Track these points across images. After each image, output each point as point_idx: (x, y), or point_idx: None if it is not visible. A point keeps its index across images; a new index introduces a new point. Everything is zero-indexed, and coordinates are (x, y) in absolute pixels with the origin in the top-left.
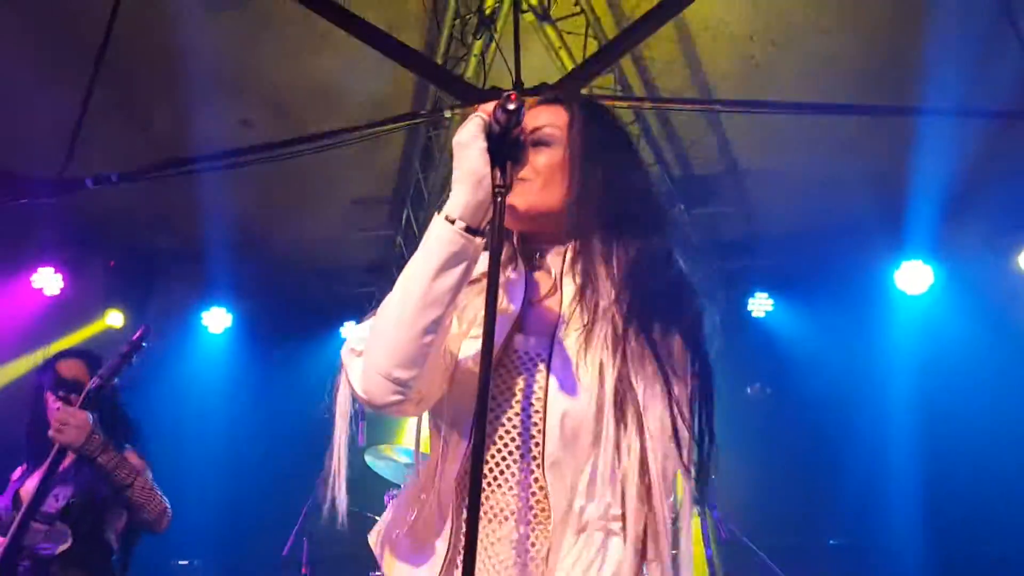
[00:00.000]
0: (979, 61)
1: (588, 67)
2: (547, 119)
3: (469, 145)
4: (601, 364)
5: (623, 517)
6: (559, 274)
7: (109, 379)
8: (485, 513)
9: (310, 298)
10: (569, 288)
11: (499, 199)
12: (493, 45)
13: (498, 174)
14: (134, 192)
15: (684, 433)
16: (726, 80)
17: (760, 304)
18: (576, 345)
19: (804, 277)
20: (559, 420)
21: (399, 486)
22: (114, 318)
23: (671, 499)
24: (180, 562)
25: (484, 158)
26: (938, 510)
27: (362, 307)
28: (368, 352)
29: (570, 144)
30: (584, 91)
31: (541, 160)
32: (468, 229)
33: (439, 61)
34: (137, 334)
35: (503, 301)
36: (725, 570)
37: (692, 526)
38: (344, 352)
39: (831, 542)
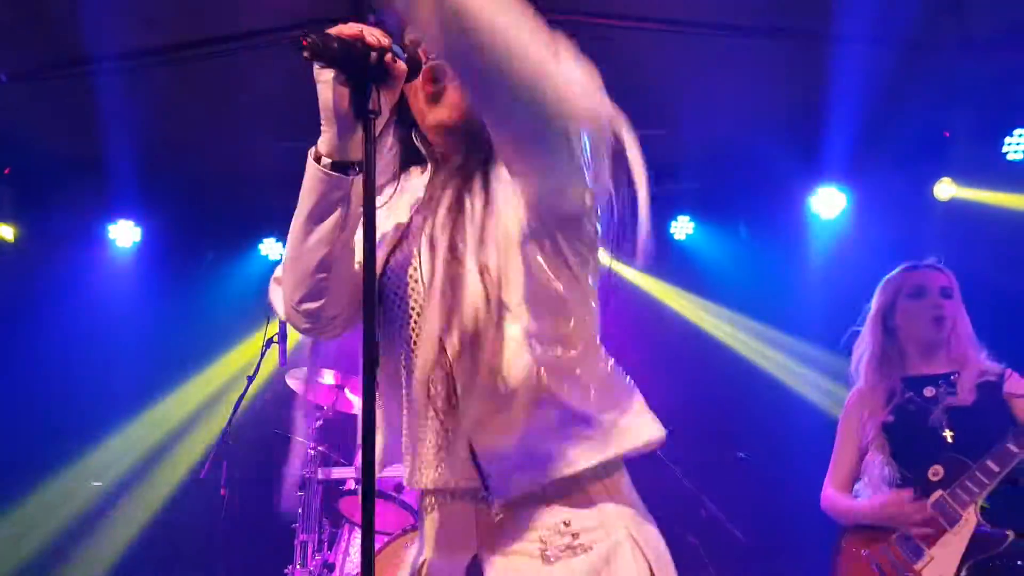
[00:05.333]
0: None
1: None
2: None
3: (317, 77)
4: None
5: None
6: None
7: None
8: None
9: (225, 212)
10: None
11: (368, 125)
12: None
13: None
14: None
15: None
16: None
17: (682, 227)
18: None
19: (724, 201)
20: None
21: (321, 407)
22: (3, 231)
23: None
24: (94, 483)
25: (331, 90)
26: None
27: (281, 222)
28: (281, 284)
29: None
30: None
31: None
32: (336, 165)
33: None
34: None
35: (398, 209)
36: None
37: None
38: (271, 281)
39: (740, 455)
